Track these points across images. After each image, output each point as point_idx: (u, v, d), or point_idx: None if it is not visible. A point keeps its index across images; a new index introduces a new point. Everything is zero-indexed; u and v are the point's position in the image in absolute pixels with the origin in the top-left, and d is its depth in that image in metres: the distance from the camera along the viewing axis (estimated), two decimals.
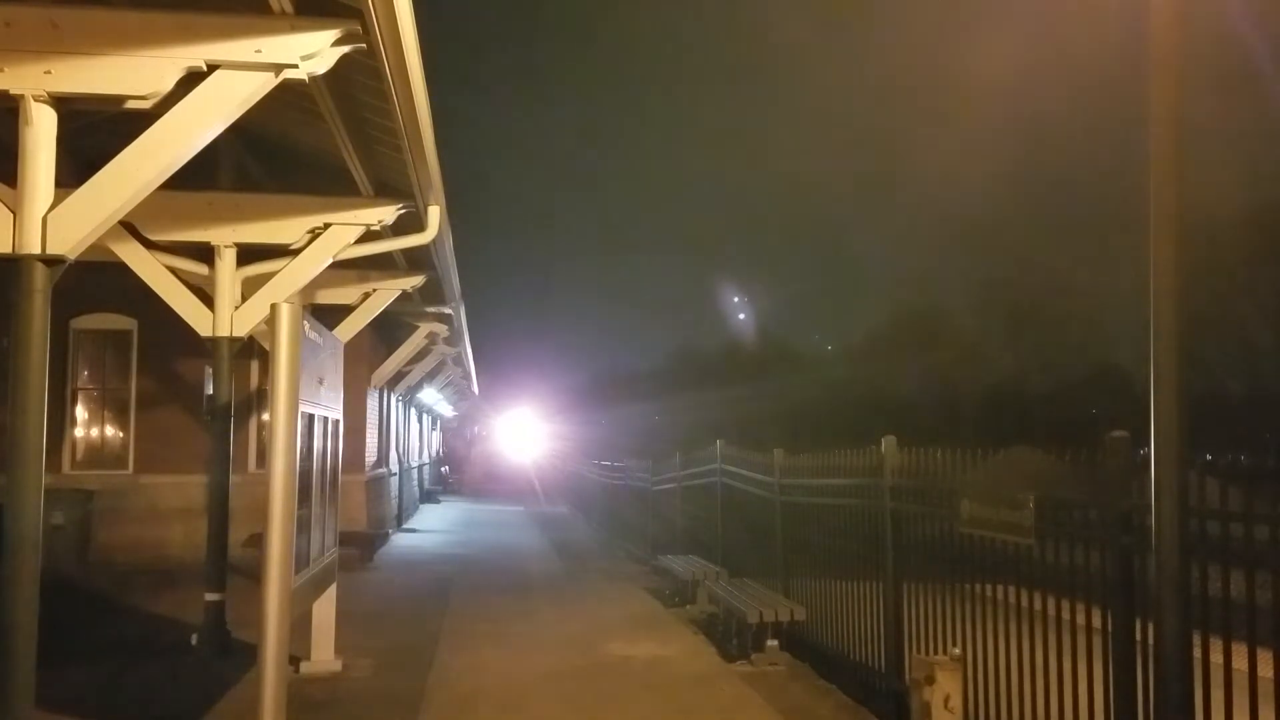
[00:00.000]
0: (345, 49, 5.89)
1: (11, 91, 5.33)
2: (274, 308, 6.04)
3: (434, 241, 10.67)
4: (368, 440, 17.97)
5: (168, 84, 5.54)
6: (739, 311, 61.29)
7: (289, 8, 5.77)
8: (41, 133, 5.39)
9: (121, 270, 9.91)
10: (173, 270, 9.96)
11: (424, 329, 18.14)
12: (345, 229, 9.52)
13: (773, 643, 8.79)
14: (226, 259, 9.46)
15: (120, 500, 15.18)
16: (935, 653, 6.33)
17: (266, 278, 9.61)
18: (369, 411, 18.19)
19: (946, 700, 5.47)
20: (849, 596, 8.00)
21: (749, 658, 8.81)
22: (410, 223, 10.11)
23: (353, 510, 15.64)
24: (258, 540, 6.54)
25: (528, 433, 49.39)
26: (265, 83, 5.76)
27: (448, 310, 16.89)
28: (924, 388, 42.18)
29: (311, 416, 6.86)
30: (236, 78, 5.70)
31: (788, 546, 9.79)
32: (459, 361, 24.85)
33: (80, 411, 15.98)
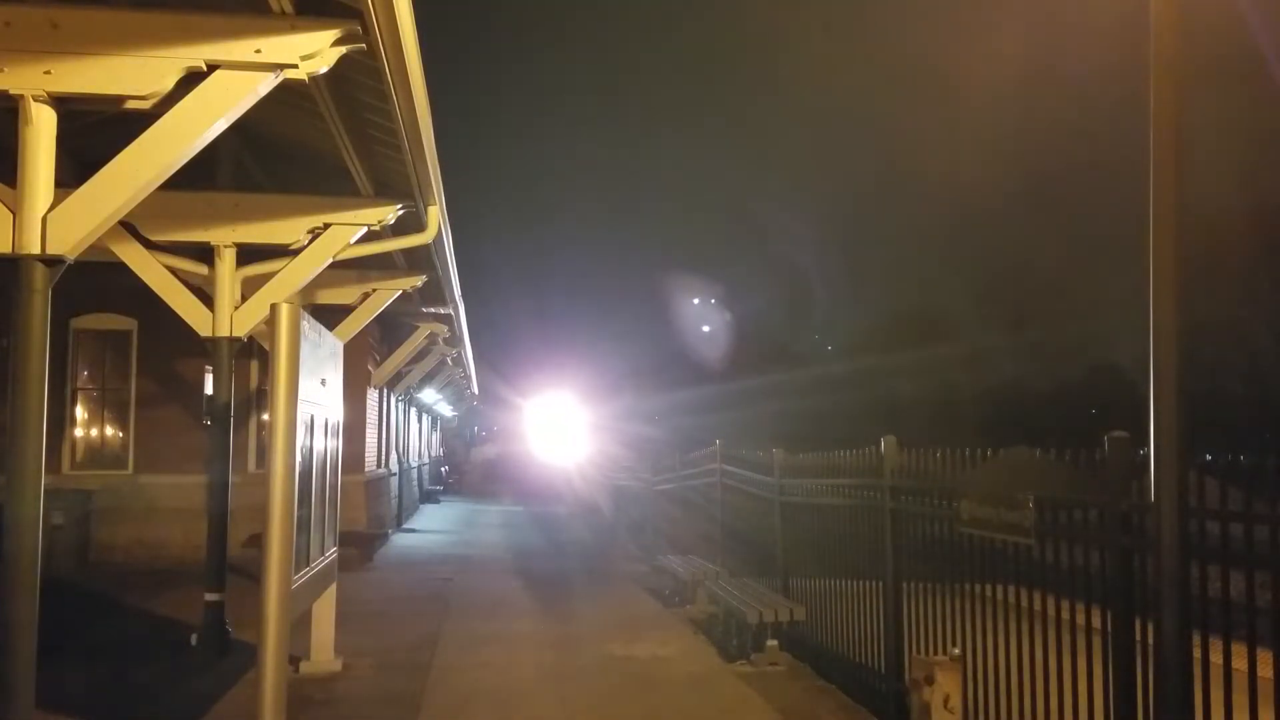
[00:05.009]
0: (345, 49, 5.89)
1: (11, 91, 5.33)
2: (274, 308, 6.05)
3: (434, 241, 10.68)
4: (368, 440, 17.97)
5: (168, 84, 5.54)
6: (704, 323, 58.50)
7: (289, 8, 5.77)
8: (41, 133, 5.38)
9: (121, 270, 9.91)
10: (173, 270, 9.95)
11: (424, 329, 18.16)
12: (345, 229, 9.52)
13: (772, 643, 8.79)
14: (226, 259, 9.46)
15: (120, 500, 15.19)
16: (935, 653, 6.33)
17: (266, 278, 9.60)
18: (369, 411, 18.20)
19: (946, 700, 5.46)
20: (849, 596, 7.99)
21: (749, 658, 8.81)
22: (410, 223, 10.11)
23: (353, 510, 15.63)
24: (258, 540, 6.54)
25: (528, 433, 49.37)
26: (265, 83, 5.76)
27: (447, 311, 16.90)
28: (923, 387, 42.21)
29: (311, 416, 6.87)
30: (236, 78, 5.70)
31: (787, 546, 9.78)
32: (459, 362, 24.87)
33: (80, 411, 15.97)
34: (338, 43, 5.82)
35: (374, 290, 12.74)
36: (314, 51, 5.76)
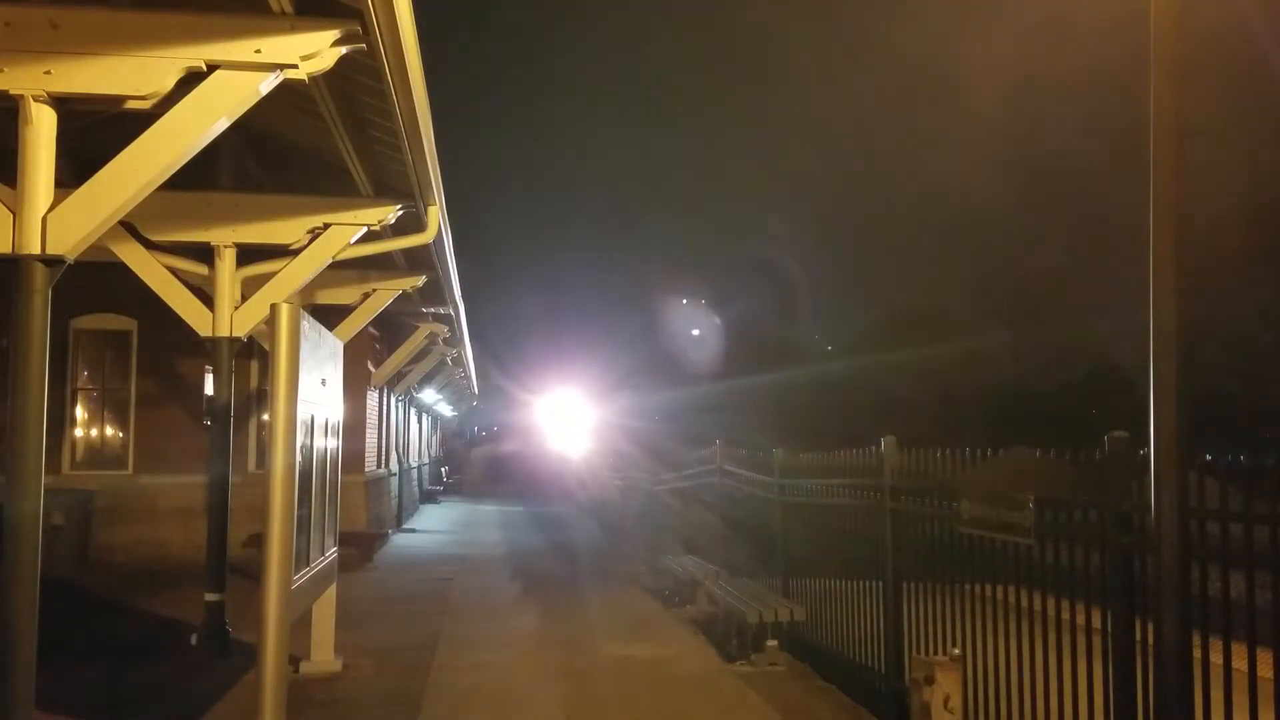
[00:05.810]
0: (345, 49, 5.89)
1: (11, 91, 5.33)
2: (274, 308, 6.04)
3: (434, 242, 10.68)
4: (368, 440, 17.98)
5: (168, 84, 5.54)
6: (706, 323, 56.98)
7: (289, 8, 5.77)
8: (41, 133, 5.38)
9: (121, 270, 9.91)
10: (173, 270, 9.96)
11: (424, 329, 18.17)
12: (345, 229, 9.52)
13: (772, 643, 8.79)
14: (226, 259, 9.46)
15: (120, 500, 15.19)
16: (935, 653, 6.33)
17: (266, 278, 9.61)
18: (369, 411, 18.20)
19: (946, 700, 5.46)
20: (849, 596, 8.00)
21: (749, 658, 8.80)
22: (410, 223, 10.11)
23: (353, 510, 15.64)
24: (258, 540, 6.54)
25: (530, 432, 49.33)
26: (265, 83, 5.76)
27: (448, 311, 16.90)
28: (924, 386, 42.25)
29: (311, 416, 6.86)
30: (236, 78, 5.70)
31: (787, 546, 9.78)
32: (459, 362, 24.87)
33: (80, 411, 15.98)
34: (338, 43, 5.83)
35: (374, 290, 12.74)
36: (314, 51, 5.76)
